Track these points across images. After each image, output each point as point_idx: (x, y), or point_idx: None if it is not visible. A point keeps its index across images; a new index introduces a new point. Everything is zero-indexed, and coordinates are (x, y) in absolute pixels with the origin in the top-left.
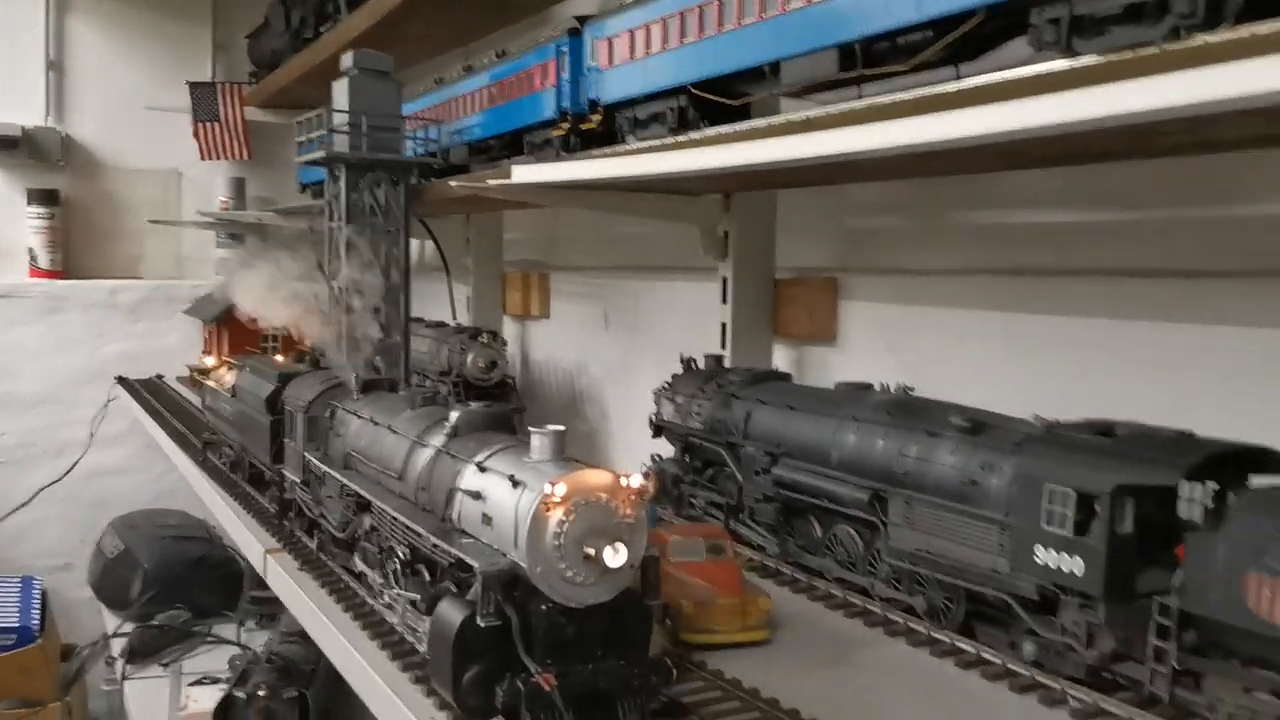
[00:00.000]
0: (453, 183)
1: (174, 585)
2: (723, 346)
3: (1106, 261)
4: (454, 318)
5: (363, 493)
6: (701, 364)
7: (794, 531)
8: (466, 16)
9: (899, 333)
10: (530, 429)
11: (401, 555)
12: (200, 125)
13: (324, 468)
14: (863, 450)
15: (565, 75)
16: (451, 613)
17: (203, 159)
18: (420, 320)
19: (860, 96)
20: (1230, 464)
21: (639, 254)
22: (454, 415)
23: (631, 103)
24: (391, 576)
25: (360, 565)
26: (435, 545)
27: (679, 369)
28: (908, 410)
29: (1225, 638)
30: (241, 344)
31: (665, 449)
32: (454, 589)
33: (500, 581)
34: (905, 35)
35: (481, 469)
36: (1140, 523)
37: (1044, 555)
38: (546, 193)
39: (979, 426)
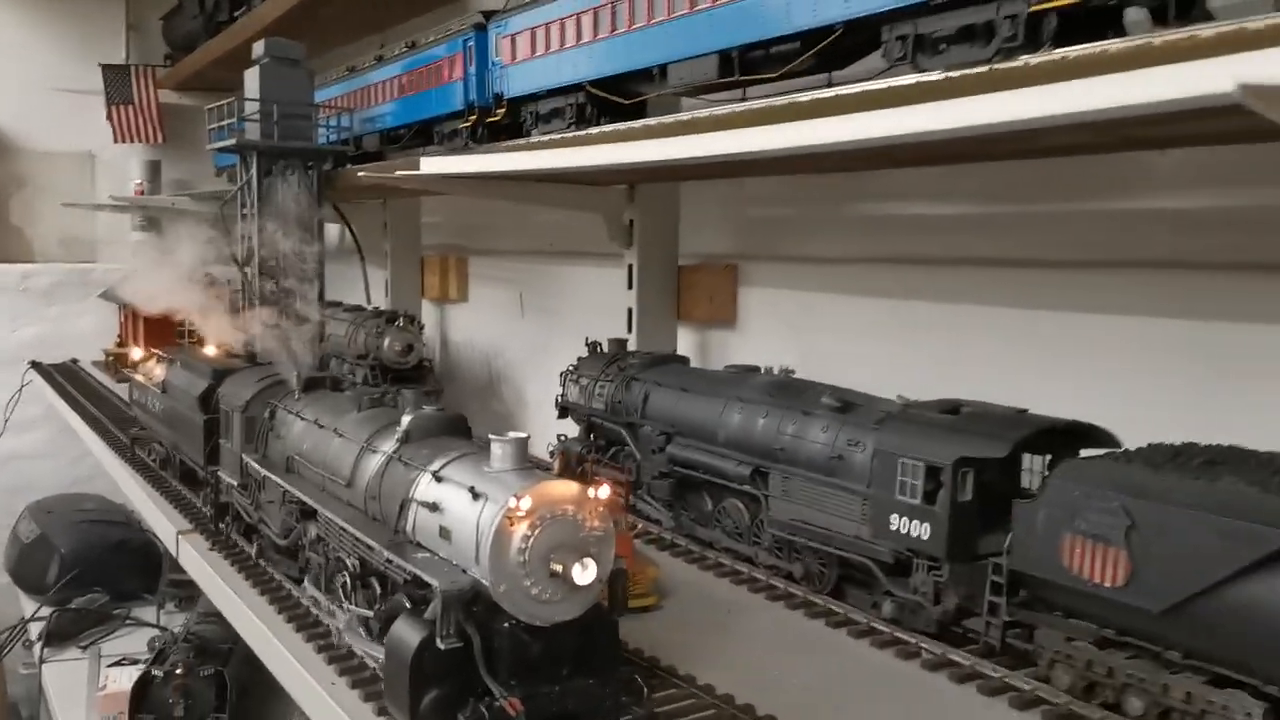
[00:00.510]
0: (360, 172)
1: (92, 569)
2: (629, 330)
3: (974, 251)
4: (368, 301)
5: (308, 501)
6: (605, 348)
7: (687, 505)
8: (381, 2)
9: (794, 317)
10: (490, 436)
11: (351, 568)
12: (114, 108)
13: (264, 472)
14: (746, 429)
15: (472, 69)
16: (408, 633)
17: (116, 142)
18: (338, 304)
19: (744, 99)
20: (1057, 438)
21: (554, 240)
22: (406, 419)
23: (534, 98)
24: (341, 591)
25: (310, 589)
26: (389, 560)
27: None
28: (786, 391)
29: (1047, 593)
30: (158, 329)
31: (571, 429)
32: (408, 604)
33: (461, 601)
34: (777, 45)
35: (438, 478)
36: (980, 491)
37: (898, 522)
38: (455, 183)
39: (847, 406)
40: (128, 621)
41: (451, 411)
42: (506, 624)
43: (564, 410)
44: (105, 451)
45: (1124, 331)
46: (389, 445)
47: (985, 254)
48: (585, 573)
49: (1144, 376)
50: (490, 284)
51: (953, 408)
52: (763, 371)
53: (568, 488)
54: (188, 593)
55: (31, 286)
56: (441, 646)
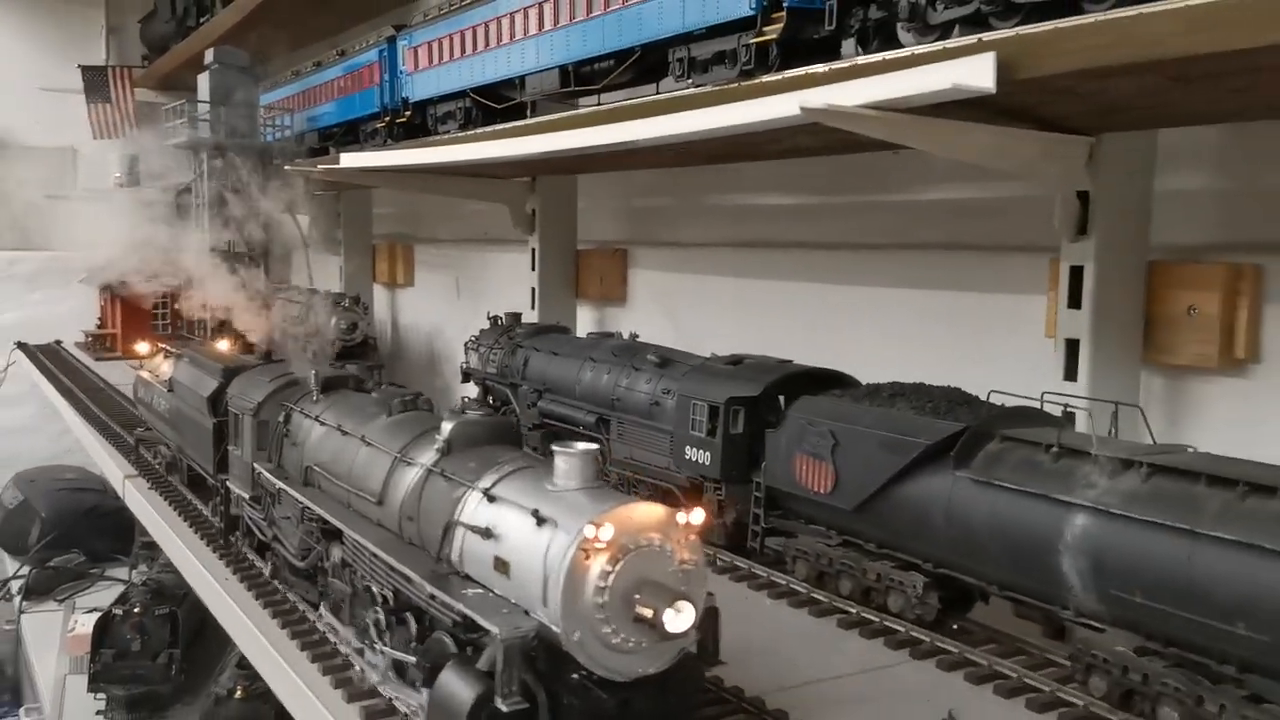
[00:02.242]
0: (287, 167)
1: (70, 532)
2: (532, 308)
3: (802, 236)
4: (309, 282)
5: (332, 520)
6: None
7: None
8: (326, 12)
9: (669, 295)
10: (555, 448)
11: (384, 600)
12: (93, 106)
13: (278, 484)
14: (594, 384)
15: (385, 76)
16: (461, 689)
17: (95, 138)
18: (295, 287)
19: (600, 103)
20: (810, 382)
21: (482, 228)
22: (447, 426)
23: (432, 101)
24: (373, 629)
25: (328, 616)
26: (432, 597)
27: None
28: (627, 352)
29: (790, 503)
30: (135, 314)
31: (472, 392)
32: (451, 645)
33: (524, 651)
34: (599, 63)
35: (490, 498)
36: (750, 424)
37: (691, 453)
38: (373, 176)
39: (665, 362)
40: (102, 579)
41: (499, 418)
42: (577, 676)
43: (466, 375)
44: (79, 422)
45: (909, 301)
46: (427, 456)
47: (810, 239)
48: (680, 618)
49: (917, 335)
50: (433, 269)
51: (737, 360)
52: (615, 337)
53: (653, 512)
54: (158, 554)
55: (17, 273)
56: (504, 708)
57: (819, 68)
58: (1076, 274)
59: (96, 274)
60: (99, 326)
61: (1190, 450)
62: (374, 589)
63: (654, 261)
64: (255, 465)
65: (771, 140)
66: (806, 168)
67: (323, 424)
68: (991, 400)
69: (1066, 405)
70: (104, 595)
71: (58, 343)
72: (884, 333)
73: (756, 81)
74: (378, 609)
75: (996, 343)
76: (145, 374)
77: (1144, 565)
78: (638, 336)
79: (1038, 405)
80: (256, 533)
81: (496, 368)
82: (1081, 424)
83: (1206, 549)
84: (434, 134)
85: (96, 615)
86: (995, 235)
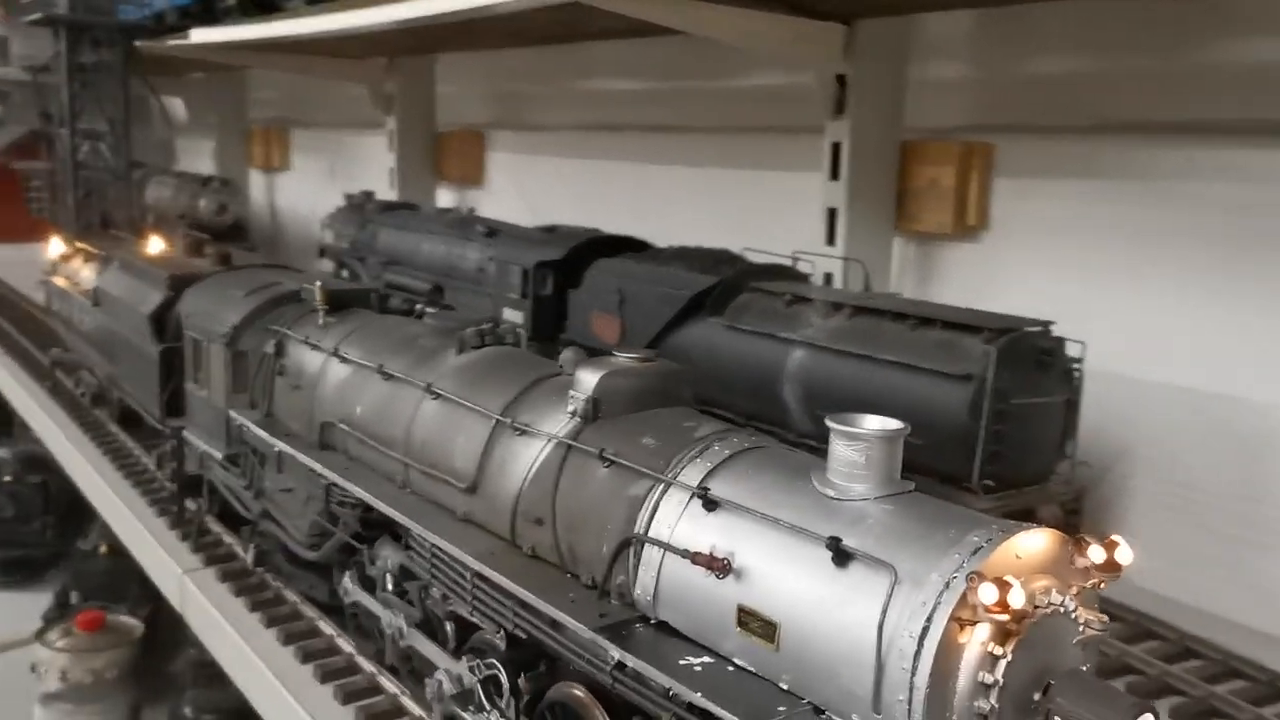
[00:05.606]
0: (137, 43)
1: None
2: (391, 188)
3: (638, 120)
4: (173, 164)
5: (396, 515)
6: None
7: None
8: None
9: (523, 175)
10: (831, 422)
11: (498, 647)
12: None
13: (278, 444)
14: (433, 254)
15: None
16: None
17: None
18: (165, 170)
19: None
20: (607, 247)
21: (354, 112)
22: (588, 377)
23: None
24: (479, 692)
25: (353, 649)
26: (621, 667)
27: None
28: (462, 224)
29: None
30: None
31: (329, 268)
32: None
33: None
34: None
35: (710, 503)
36: (557, 286)
37: (508, 311)
38: (230, 53)
39: (492, 232)
40: None
41: (661, 364)
42: None
43: (322, 251)
44: None
45: (720, 179)
46: (556, 423)
47: (644, 122)
48: None
49: (728, 208)
50: (309, 154)
51: (551, 229)
52: (453, 212)
53: (1038, 544)
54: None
55: None
56: None
57: None
58: (835, 150)
59: None
60: None
61: (896, 296)
62: (481, 624)
63: (510, 144)
64: (233, 413)
65: (576, 19)
66: (644, 51)
67: (345, 360)
68: (748, 259)
69: (797, 257)
70: None
71: None
72: (699, 208)
73: None
74: (496, 666)
75: (787, 213)
76: (60, 281)
77: (839, 388)
78: (474, 210)
79: (789, 263)
80: (237, 505)
81: (350, 243)
82: (839, 281)
83: (881, 371)
84: (285, 10)
85: None
86: (795, 118)
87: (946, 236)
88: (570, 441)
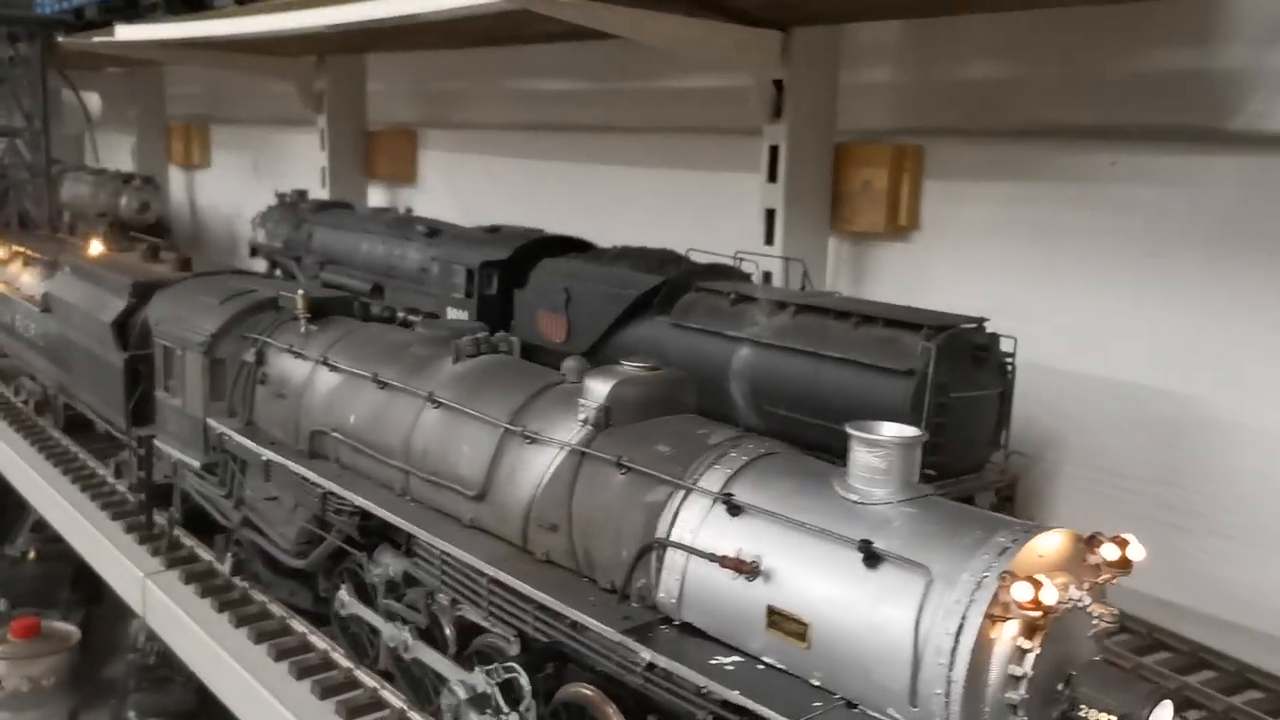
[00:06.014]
0: (60, 38)
1: None
2: (323, 186)
3: (575, 120)
4: (95, 162)
5: (402, 523)
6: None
7: None
8: None
9: (456, 175)
10: (851, 429)
11: (507, 648)
12: None
13: (265, 453)
14: (372, 254)
15: None
16: None
17: None
18: (83, 167)
19: None
20: (551, 247)
21: (278, 108)
22: (598, 386)
23: None
24: (494, 697)
25: (339, 653)
26: (651, 667)
27: None
28: (401, 224)
29: (537, 355)
30: None
31: (261, 267)
32: None
33: None
34: None
35: (734, 508)
36: (501, 285)
37: (453, 311)
38: (153, 50)
39: (433, 232)
40: None
41: (671, 371)
42: None
43: (254, 250)
44: None
45: (658, 179)
46: (567, 432)
47: (581, 122)
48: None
49: (666, 208)
50: (231, 150)
51: (495, 229)
52: (391, 212)
53: (1054, 544)
54: None
55: None
56: None
57: None
58: (774, 152)
59: None
60: None
61: (836, 294)
62: (490, 629)
63: (443, 143)
64: (211, 422)
65: (515, 24)
66: (582, 53)
67: (333, 368)
68: (692, 259)
69: (740, 257)
70: None
71: None
72: (638, 207)
73: None
74: (505, 670)
75: (727, 213)
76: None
77: (785, 384)
78: (411, 210)
79: (733, 263)
80: (216, 516)
81: (282, 242)
82: (779, 280)
83: (826, 367)
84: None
85: None
86: (732, 120)
87: (879, 236)
88: (584, 449)
